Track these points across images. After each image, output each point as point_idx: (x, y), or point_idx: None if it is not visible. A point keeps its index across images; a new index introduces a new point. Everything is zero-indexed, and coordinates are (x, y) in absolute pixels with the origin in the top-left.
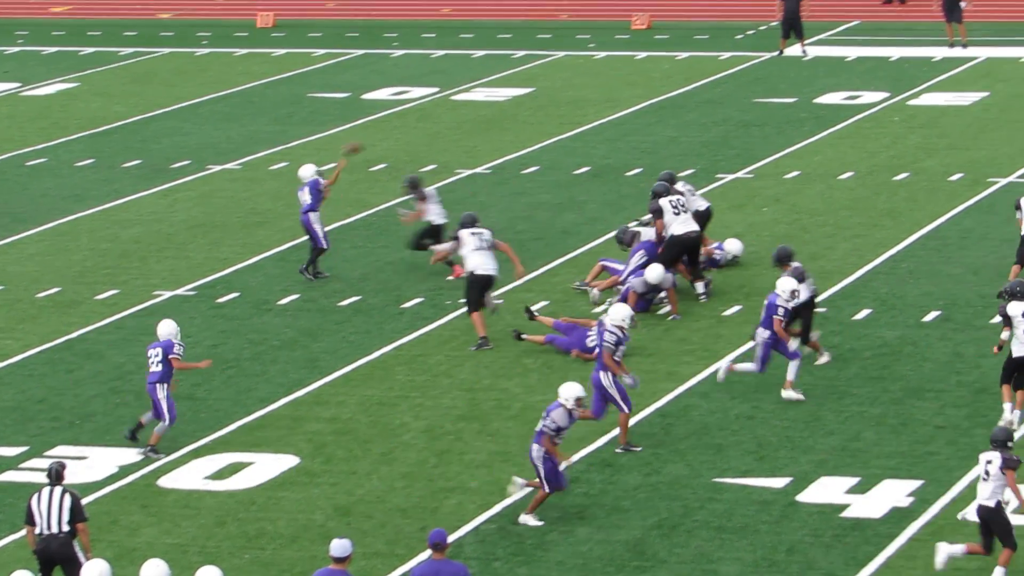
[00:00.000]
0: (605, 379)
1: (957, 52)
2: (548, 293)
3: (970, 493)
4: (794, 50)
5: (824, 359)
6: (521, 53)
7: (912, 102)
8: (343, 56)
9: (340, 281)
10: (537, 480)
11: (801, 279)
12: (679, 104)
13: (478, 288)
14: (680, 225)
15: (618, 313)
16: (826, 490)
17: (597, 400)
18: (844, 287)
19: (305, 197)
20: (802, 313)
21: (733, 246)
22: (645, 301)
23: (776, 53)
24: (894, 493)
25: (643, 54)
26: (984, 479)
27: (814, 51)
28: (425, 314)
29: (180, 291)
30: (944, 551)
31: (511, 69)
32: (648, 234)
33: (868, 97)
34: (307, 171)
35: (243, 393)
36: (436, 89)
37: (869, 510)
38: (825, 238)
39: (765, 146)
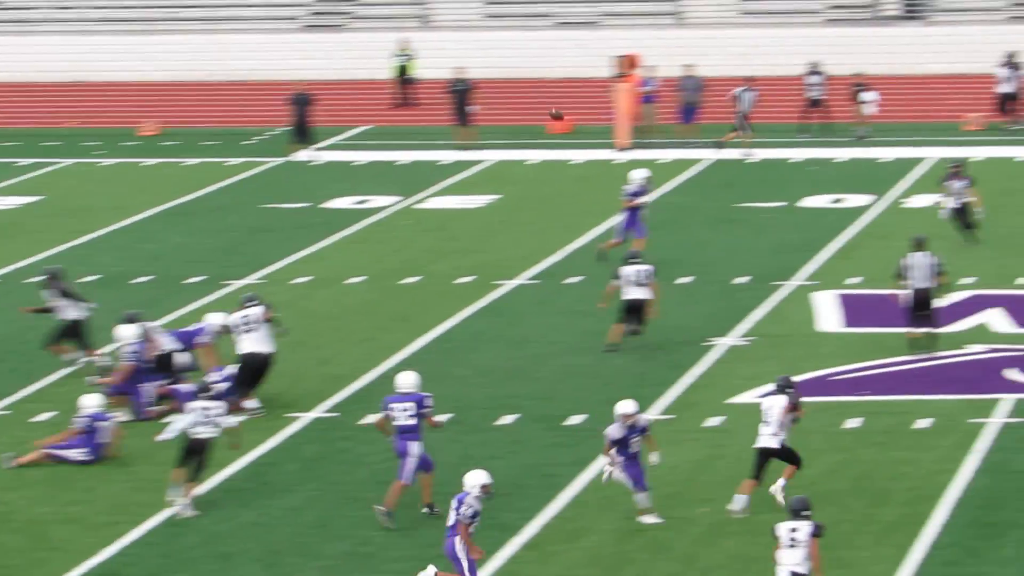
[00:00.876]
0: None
1: (466, 155)
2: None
3: None
4: (302, 155)
5: None
6: (27, 161)
7: (422, 205)
8: None
9: None
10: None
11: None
12: (189, 211)
13: None
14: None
15: (475, 479)
16: None
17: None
18: (355, 391)
19: None
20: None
21: (216, 318)
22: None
23: (285, 158)
24: None
25: (152, 160)
26: (792, 545)
27: (324, 156)
28: None
29: None
30: None
31: (17, 177)
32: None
33: (378, 201)
34: None
35: None
36: None
37: None
38: (336, 343)
39: (275, 251)
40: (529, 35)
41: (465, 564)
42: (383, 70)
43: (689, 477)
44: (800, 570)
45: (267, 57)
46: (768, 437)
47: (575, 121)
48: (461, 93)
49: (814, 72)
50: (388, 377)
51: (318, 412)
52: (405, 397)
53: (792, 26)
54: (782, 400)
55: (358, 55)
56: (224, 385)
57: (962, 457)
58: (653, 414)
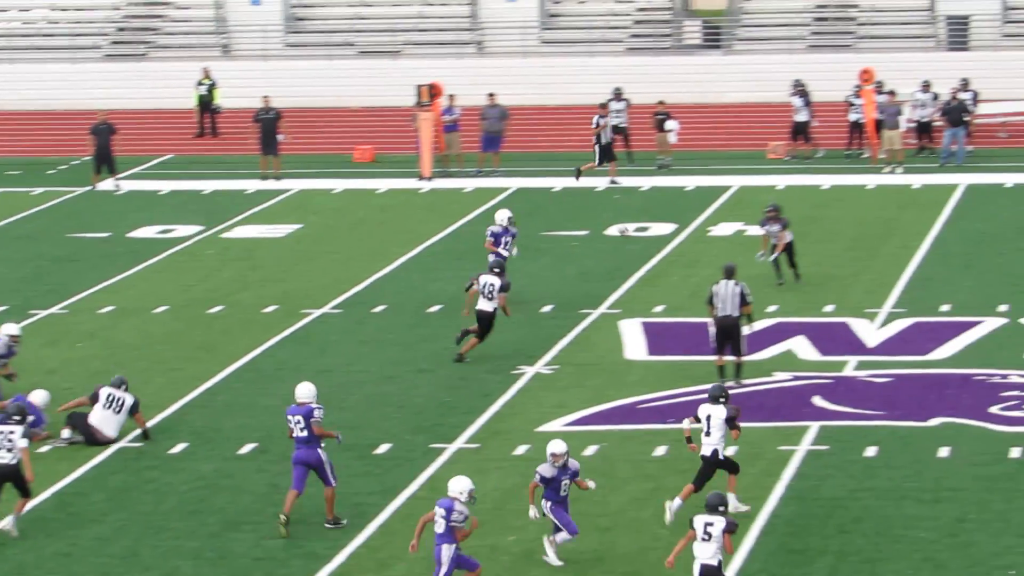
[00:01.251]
0: (448, 551)
1: (271, 184)
2: None
3: None
4: (107, 184)
5: None
6: None
7: (227, 234)
8: None
9: None
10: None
11: None
12: None
13: None
14: None
15: (461, 485)
16: None
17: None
18: (160, 420)
19: None
20: None
21: (38, 397)
22: None
23: (89, 188)
24: None
25: None
26: (705, 540)
27: (127, 185)
28: None
29: None
30: None
31: None
32: None
33: (182, 230)
34: None
35: None
36: None
37: None
38: (141, 372)
39: (79, 281)
40: (331, 64)
41: (444, 570)
42: (185, 99)
43: (497, 506)
44: (712, 563)
45: (69, 86)
46: (711, 446)
47: (378, 150)
48: (269, 122)
49: (618, 99)
50: (194, 406)
51: (124, 442)
52: (299, 409)
53: (594, 55)
54: (720, 410)
55: (160, 84)
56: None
57: (770, 484)
58: (460, 443)
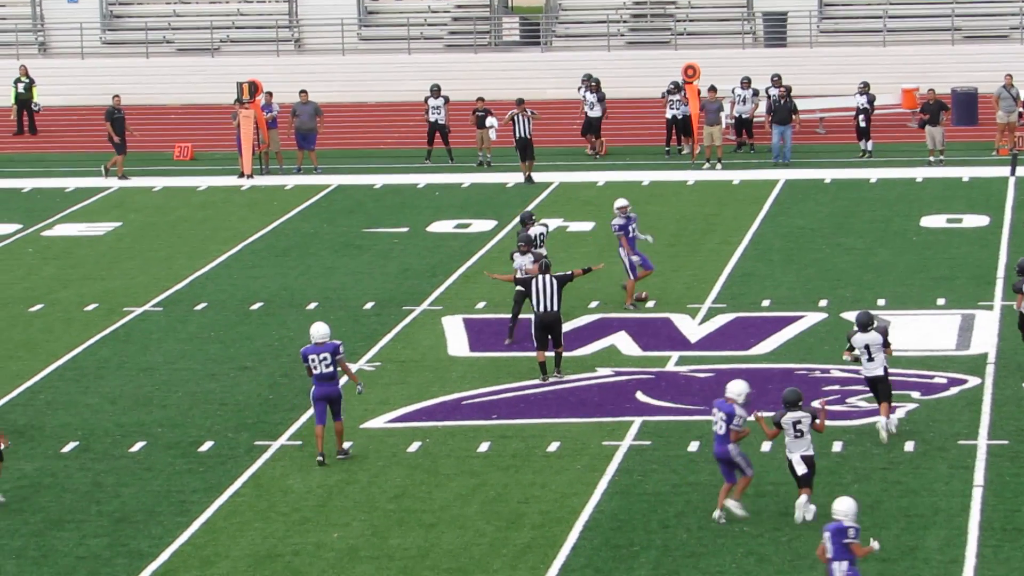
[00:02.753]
0: (734, 449)
1: (105, 181)
2: None
3: None
4: None
5: None
6: None
7: (46, 233)
8: None
9: None
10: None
11: None
12: None
13: None
14: None
15: (739, 388)
16: None
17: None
18: None
19: None
20: None
21: None
22: None
23: None
24: None
25: None
26: (798, 436)
27: None
28: None
29: None
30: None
31: None
32: None
33: (1, 229)
34: None
35: None
36: None
37: None
38: None
39: None
40: (149, 62)
41: (743, 460)
42: (3, 97)
43: (322, 502)
44: (810, 452)
45: None
46: (874, 370)
47: (198, 148)
48: (118, 121)
49: (436, 95)
50: (15, 404)
51: None
52: (323, 347)
53: (413, 52)
54: (875, 335)
55: None
56: None
57: (594, 480)
58: (284, 440)
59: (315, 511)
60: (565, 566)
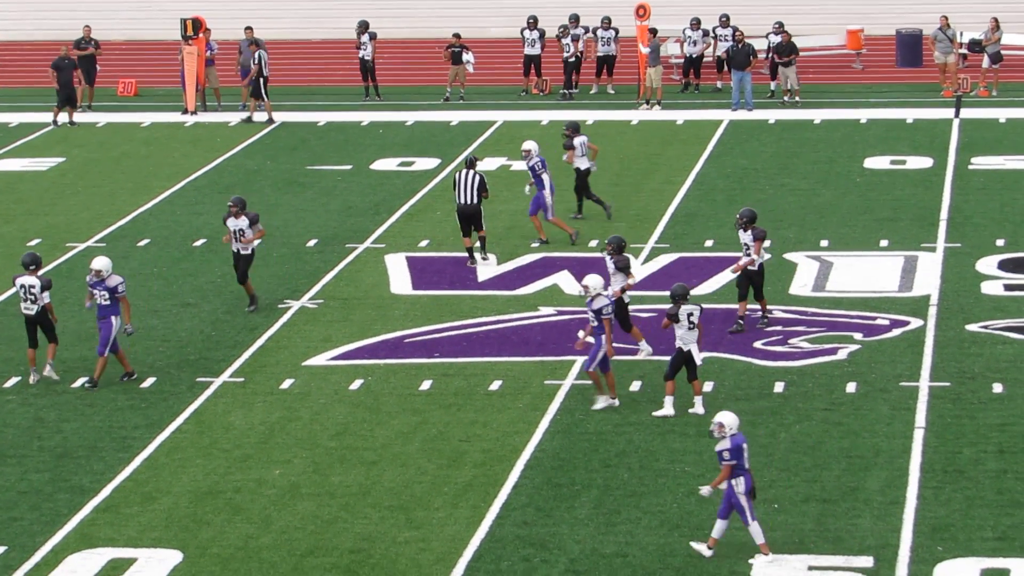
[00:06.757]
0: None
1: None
2: None
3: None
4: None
5: None
6: None
7: None
8: None
9: None
10: None
11: None
12: None
13: None
14: None
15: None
16: None
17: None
18: None
19: None
20: None
21: None
22: None
23: None
24: None
25: None
26: (692, 328)
27: None
28: None
29: None
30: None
31: None
32: None
33: None
34: None
35: None
36: None
37: None
38: None
39: None
40: None
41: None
42: None
43: (263, 439)
44: (693, 347)
45: None
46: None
47: (141, 84)
48: (90, 58)
49: (364, 31)
50: None
51: None
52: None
53: None
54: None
55: None
56: None
57: (535, 419)
58: (226, 376)
59: (256, 448)
60: (506, 504)
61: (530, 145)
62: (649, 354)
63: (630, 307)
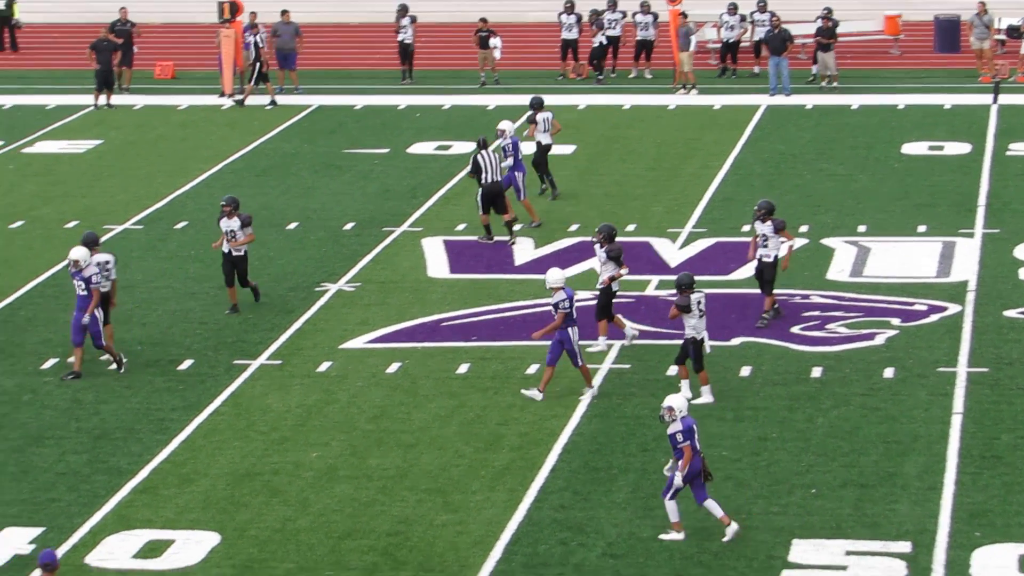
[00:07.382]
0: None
1: (120, 99)
2: None
3: (92, 539)
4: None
5: None
6: None
7: (27, 150)
8: None
9: None
10: None
11: None
12: None
13: None
14: None
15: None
16: None
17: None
18: None
19: None
20: None
21: None
22: None
23: None
24: (15, 540)
25: None
26: (702, 316)
27: None
28: None
29: None
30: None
31: None
32: None
33: None
34: None
35: None
36: None
37: None
38: None
39: None
40: None
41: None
42: None
43: (300, 422)
44: (700, 335)
45: None
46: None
47: (179, 67)
48: (128, 35)
49: (404, 15)
50: None
51: None
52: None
53: None
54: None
55: None
56: None
57: (573, 402)
58: (263, 359)
59: (294, 430)
60: (544, 488)
61: (505, 125)
62: (634, 338)
63: (665, 292)
